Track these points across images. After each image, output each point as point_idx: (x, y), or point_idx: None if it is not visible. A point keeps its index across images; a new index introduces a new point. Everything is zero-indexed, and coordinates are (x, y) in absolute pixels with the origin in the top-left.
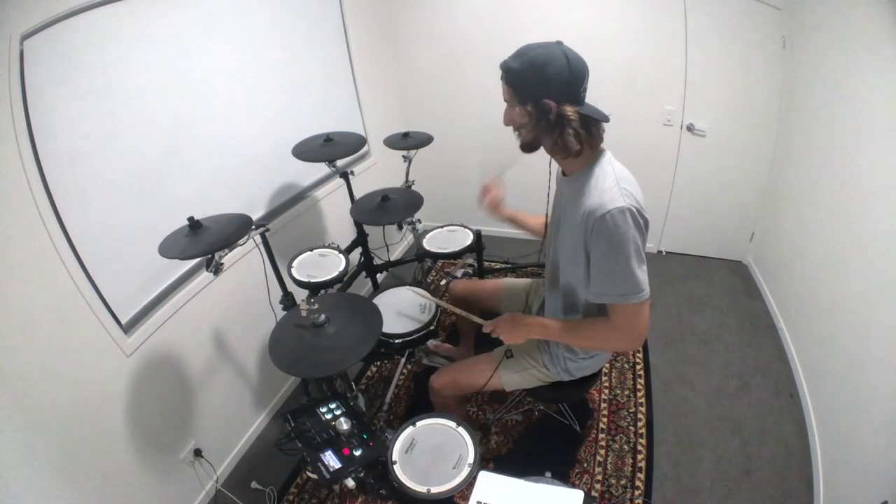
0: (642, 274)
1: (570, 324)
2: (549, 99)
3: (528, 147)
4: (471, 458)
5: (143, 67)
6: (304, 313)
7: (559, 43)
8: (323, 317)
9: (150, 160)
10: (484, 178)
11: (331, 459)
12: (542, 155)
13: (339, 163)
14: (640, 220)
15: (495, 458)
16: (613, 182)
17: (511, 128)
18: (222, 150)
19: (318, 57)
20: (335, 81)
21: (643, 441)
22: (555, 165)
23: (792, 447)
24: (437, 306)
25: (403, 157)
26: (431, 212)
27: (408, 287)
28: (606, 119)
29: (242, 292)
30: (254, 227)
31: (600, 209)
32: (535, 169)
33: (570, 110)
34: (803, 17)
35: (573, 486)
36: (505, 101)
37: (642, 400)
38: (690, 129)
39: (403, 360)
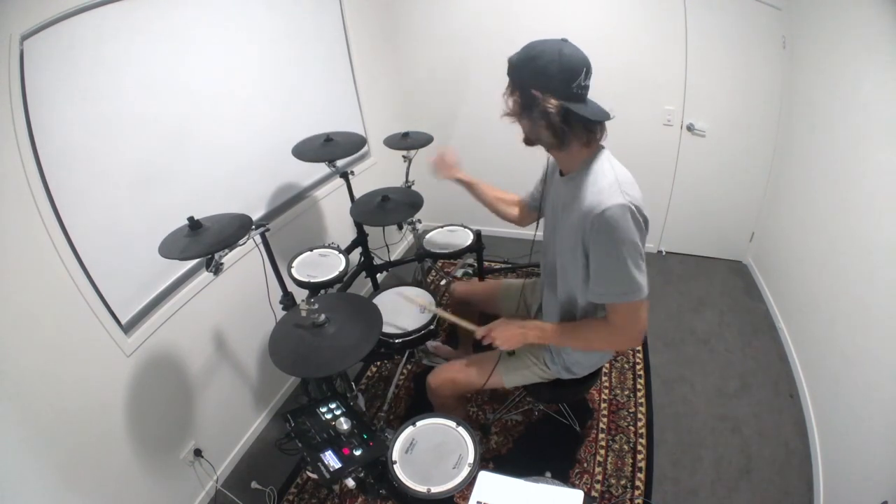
0: (641, 273)
1: (568, 326)
2: (537, 91)
3: (527, 140)
4: (471, 458)
5: (143, 67)
6: (304, 313)
7: (564, 40)
8: (323, 317)
9: (150, 160)
10: (483, 178)
11: (331, 459)
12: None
13: (339, 163)
14: (640, 218)
15: (495, 458)
16: (613, 180)
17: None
18: (222, 149)
19: (318, 57)
20: (335, 81)
21: (643, 441)
22: (553, 164)
23: (792, 447)
24: (437, 306)
25: (403, 157)
26: (431, 212)
27: (398, 291)
28: (602, 118)
29: (242, 292)
30: (254, 227)
31: (599, 206)
32: (534, 168)
33: (553, 103)
34: (803, 17)
35: (573, 486)
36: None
37: (642, 400)
38: (690, 129)
39: (403, 360)
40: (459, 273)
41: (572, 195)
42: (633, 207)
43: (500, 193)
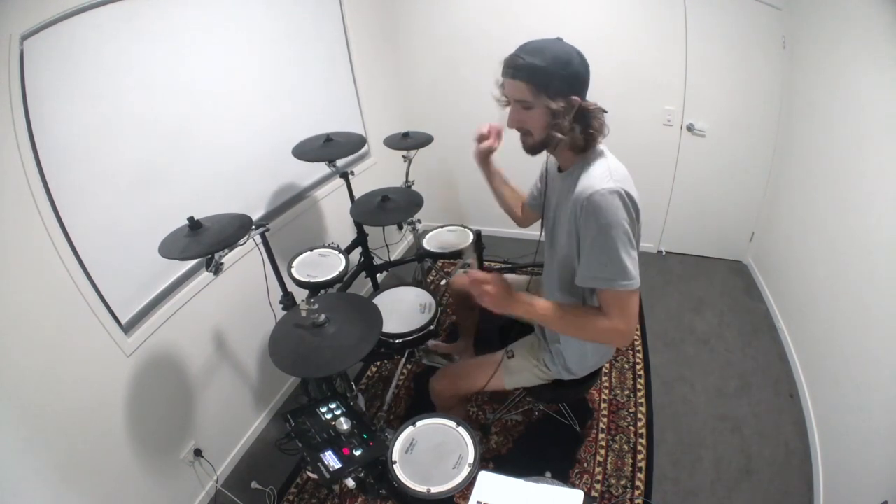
0: (632, 260)
1: (562, 307)
2: (575, 95)
3: (539, 147)
4: (471, 458)
5: (143, 67)
6: (304, 313)
7: (560, 39)
8: (323, 317)
9: (150, 160)
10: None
11: (331, 459)
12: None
13: (339, 163)
14: (630, 204)
15: (495, 458)
16: (605, 170)
17: (514, 129)
18: (222, 149)
19: (318, 57)
20: (335, 81)
21: (643, 441)
22: (552, 164)
23: (792, 447)
24: (437, 306)
25: (403, 157)
26: (431, 212)
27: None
28: (605, 110)
29: (242, 292)
30: (254, 227)
31: (589, 190)
32: (533, 167)
33: (591, 103)
34: (803, 17)
35: (573, 486)
36: (515, 101)
37: (642, 400)
38: (690, 129)
39: (403, 360)
40: (459, 273)
41: (569, 188)
42: (623, 193)
43: (514, 191)
